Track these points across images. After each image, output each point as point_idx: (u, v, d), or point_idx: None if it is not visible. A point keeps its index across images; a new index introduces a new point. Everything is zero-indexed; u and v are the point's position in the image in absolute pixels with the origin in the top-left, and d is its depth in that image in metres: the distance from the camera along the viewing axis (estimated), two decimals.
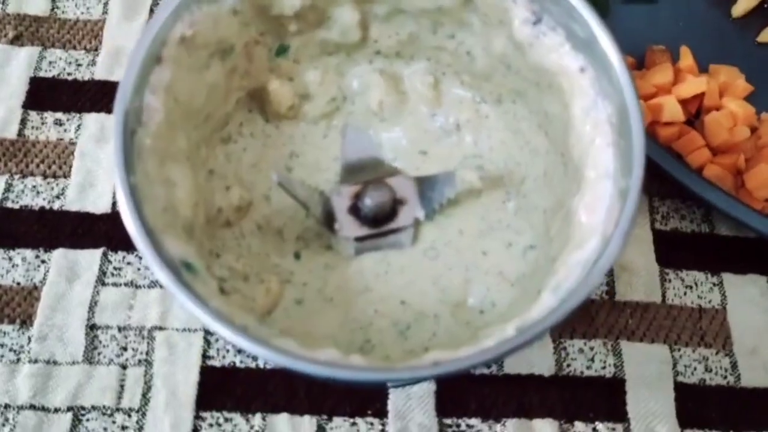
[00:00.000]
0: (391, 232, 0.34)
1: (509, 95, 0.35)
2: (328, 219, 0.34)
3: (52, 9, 0.46)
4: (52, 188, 0.42)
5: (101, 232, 0.41)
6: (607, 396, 0.37)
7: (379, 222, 0.34)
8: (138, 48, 0.28)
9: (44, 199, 0.41)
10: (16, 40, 0.45)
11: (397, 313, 0.33)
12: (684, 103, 0.42)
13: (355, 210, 0.34)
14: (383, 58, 0.37)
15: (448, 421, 0.35)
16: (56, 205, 0.41)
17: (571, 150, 0.31)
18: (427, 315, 0.33)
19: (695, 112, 0.43)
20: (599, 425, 0.36)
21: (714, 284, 0.40)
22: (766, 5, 0.47)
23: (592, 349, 0.38)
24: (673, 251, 0.41)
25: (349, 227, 0.34)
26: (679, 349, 0.38)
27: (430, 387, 0.35)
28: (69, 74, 0.45)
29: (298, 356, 0.25)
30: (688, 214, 0.41)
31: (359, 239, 0.34)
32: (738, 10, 0.46)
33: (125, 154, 0.26)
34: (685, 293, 0.40)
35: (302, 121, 0.37)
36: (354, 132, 0.37)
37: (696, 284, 0.40)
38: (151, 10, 0.47)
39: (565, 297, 0.26)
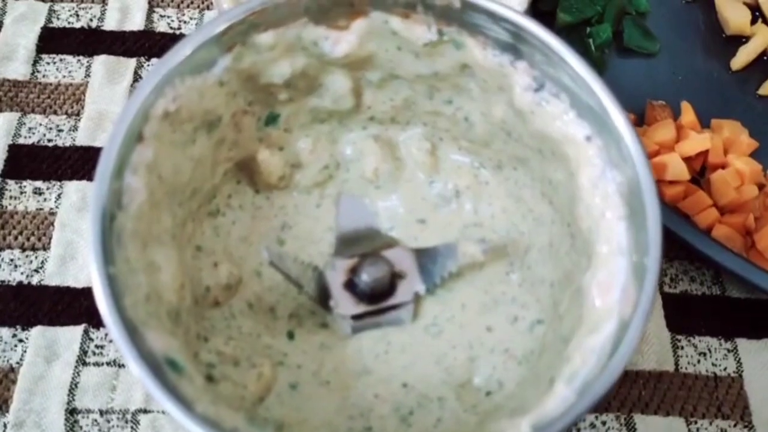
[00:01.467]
0: (391, 308, 0.32)
1: (510, 162, 0.34)
2: (323, 296, 0.32)
3: (33, 73, 0.45)
4: (31, 261, 0.40)
5: (82, 307, 0.39)
6: None
7: (377, 298, 0.32)
8: (117, 127, 0.26)
9: (22, 273, 0.39)
10: None
11: (398, 396, 0.31)
12: (688, 160, 0.41)
13: (351, 285, 0.32)
14: (377, 124, 0.35)
15: None
16: (35, 280, 0.39)
17: (579, 222, 0.29)
18: (431, 398, 0.31)
19: (699, 169, 0.42)
20: None
21: (728, 350, 0.38)
22: (765, 57, 0.46)
23: (604, 424, 0.36)
24: (683, 316, 0.39)
25: (345, 305, 0.32)
26: (696, 422, 0.36)
27: None
28: (49, 140, 0.43)
29: None
30: (698, 276, 0.40)
31: (356, 317, 0.32)
32: (737, 62, 0.46)
33: (103, 244, 0.24)
34: (698, 361, 0.38)
35: (294, 191, 0.35)
36: (349, 201, 0.35)
37: (710, 351, 0.38)
38: (136, 73, 0.45)
39: (581, 388, 0.24)
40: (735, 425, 0.36)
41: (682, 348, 0.38)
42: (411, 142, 0.35)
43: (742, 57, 0.45)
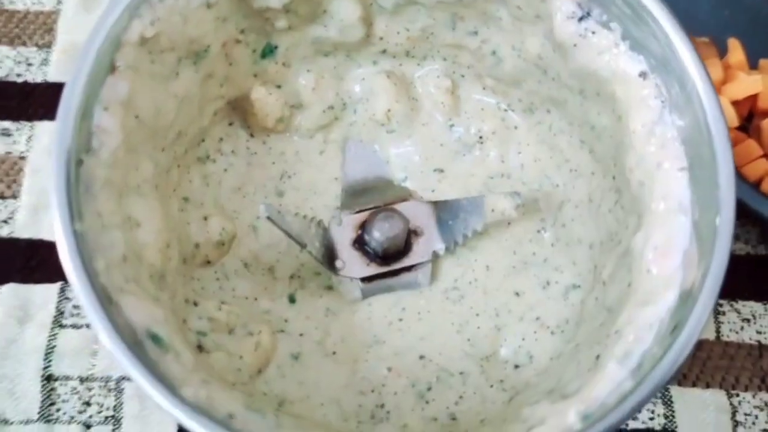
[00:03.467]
0: (405, 269, 0.28)
1: (543, 104, 0.29)
2: (329, 255, 0.28)
3: None
4: (0, 211, 0.35)
5: (58, 263, 0.34)
6: None
7: (391, 258, 0.28)
8: (84, 54, 0.21)
9: None
10: None
11: (415, 370, 0.27)
12: (735, 104, 0.36)
13: (360, 243, 0.29)
14: (390, 57, 0.31)
15: None
16: (4, 232, 0.35)
17: (628, 174, 0.25)
18: (452, 372, 0.27)
19: (747, 114, 0.37)
20: None
21: None
22: None
23: None
24: (726, 278, 0.35)
25: (353, 266, 0.28)
26: (738, 395, 0.33)
27: None
28: (18, 75, 0.38)
29: None
30: (743, 234, 0.36)
31: (366, 279, 0.28)
32: None
33: (69, 194, 0.20)
34: (742, 328, 0.34)
35: (294, 135, 0.31)
36: (356, 147, 0.31)
37: (754, 317, 0.34)
38: None
39: (637, 369, 0.20)
40: None
41: (724, 314, 0.34)
42: (428, 80, 0.31)
43: None
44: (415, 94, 0.31)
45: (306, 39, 0.29)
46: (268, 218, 0.26)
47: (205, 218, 0.28)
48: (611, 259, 0.26)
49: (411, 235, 0.29)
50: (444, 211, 0.29)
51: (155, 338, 0.21)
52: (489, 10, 0.28)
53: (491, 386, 0.27)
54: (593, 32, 0.25)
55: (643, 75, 0.24)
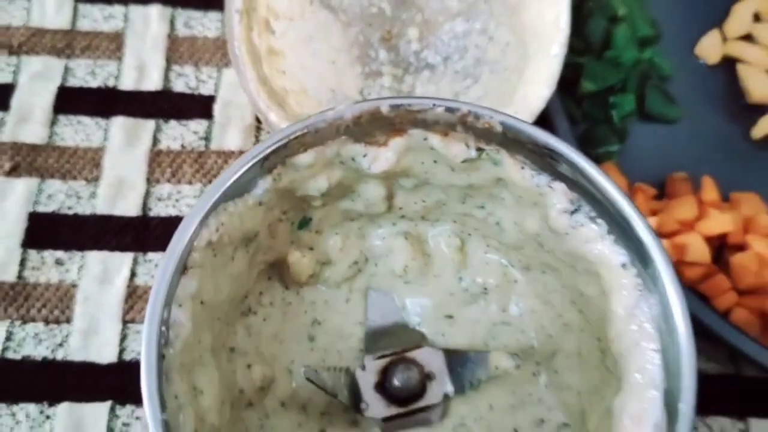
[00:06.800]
0: (421, 410, 0.33)
1: (539, 266, 0.34)
2: (355, 398, 0.33)
3: (50, 136, 0.44)
4: (55, 335, 0.40)
5: (107, 384, 0.39)
6: None
7: (408, 400, 0.33)
8: (165, 269, 0.26)
9: (47, 347, 0.40)
10: (13, 171, 0.43)
11: None
12: (707, 239, 0.41)
13: (381, 387, 0.33)
14: (408, 220, 0.35)
15: None
16: (59, 355, 0.39)
17: (611, 343, 0.29)
18: None
19: (718, 245, 0.42)
20: None
21: (741, 431, 0.39)
22: None
23: None
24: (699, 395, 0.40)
25: (376, 407, 0.32)
26: None
27: None
28: (69, 208, 0.43)
29: None
30: (713, 355, 0.41)
31: (387, 419, 0.33)
32: (758, 131, 0.46)
33: (160, 392, 0.25)
34: None
35: (322, 286, 0.35)
36: (377, 296, 0.35)
37: (722, 431, 0.39)
38: (155, 137, 0.45)
39: None
40: None
41: (696, 429, 0.39)
42: (440, 239, 0.36)
43: (763, 126, 0.45)
44: (429, 250, 0.36)
45: (336, 211, 0.34)
46: (308, 379, 0.31)
47: (249, 366, 0.32)
48: (596, 411, 0.30)
49: (425, 379, 0.33)
50: (453, 359, 0.33)
51: None
52: (494, 192, 0.32)
53: None
54: (582, 224, 0.30)
55: (624, 266, 0.29)
